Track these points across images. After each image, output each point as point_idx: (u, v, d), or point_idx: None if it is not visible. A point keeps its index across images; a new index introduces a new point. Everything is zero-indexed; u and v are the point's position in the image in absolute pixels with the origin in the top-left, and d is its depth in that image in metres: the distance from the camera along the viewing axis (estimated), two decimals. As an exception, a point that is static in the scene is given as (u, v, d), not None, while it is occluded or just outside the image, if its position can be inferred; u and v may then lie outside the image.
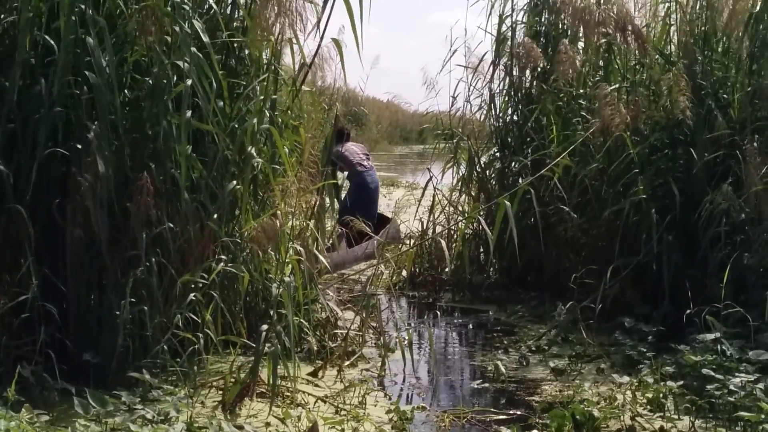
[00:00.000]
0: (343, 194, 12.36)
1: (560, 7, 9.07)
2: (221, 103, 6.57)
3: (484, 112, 10.47)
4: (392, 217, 12.52)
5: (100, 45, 5.89)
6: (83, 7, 5.91)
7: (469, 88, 10.57)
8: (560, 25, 9.75)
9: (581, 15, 8.73)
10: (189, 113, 6.18)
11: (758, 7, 8.12)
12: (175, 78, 6.23)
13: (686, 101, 7.83)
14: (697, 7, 8.68)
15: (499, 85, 10.29)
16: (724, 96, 8.40)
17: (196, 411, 5.58)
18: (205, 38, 6.33)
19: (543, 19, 10.07)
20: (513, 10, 10.17)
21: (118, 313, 5.84)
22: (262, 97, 6.89)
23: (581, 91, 9.35)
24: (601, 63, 9.43)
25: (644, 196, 8.01)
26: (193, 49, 6.18)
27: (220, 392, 5.91)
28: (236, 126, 6.72)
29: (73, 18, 5.87)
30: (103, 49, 5.90)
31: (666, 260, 7.85)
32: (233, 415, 5.64)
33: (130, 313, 5.89)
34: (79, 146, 5.88)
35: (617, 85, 8.61)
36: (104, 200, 5.80)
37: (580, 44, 9.53)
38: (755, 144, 7.65)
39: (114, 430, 5.11)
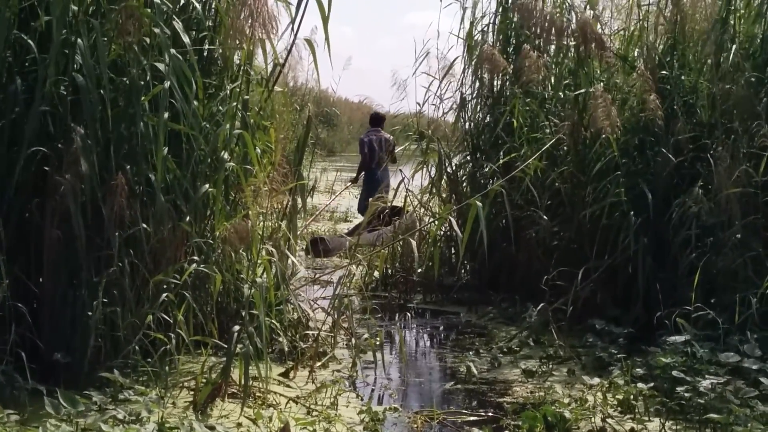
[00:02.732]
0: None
1: (525, 15, 9.12)
2: (195, 103, 6.53)
3: (455, 114, 10.49)
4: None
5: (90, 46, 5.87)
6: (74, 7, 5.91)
7: (439, 91, 10.59)
8: (527, 31, 9.74)
9: (544, 22, 8.82)
10: (166, 115, 6.15)
11: (722, 13, 8.18)
12: (149, 78, 6.20)
13: (655, 101, 7.89)
14: (666, 12, 8.75)
15: (470, 88, 10.33)
16: (690, 101, 8.45)
17: (168, 411, 5.56)
18: (186, 39, 6.31)
19: (512, 24, 10.09)
20: (483, 15, 10.27)
21: (90, 313, 5.81)
22: (235, 103, 6.87)
23: (559, 93, 9.40)
24: (570, 66, 9.49)
25: (624, 199, 8.04)
26: (173, 50, 6.16)
27: (192, 393, 5.90)
28: (208, 127, 6.70)
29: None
30: (92, 50, 5.88)
31: (641, 262, 7.88)
32: (205, 416, 5.63)
33: (102, 313, 5.86)
34: (60, 146, 5.86)
35: (584, 90, 8.66)
36: (87, 201, 5.80)
37: (552, 47, 9.57)
38: (725, 147, 7.69)
39: (85, 430, 5.07)
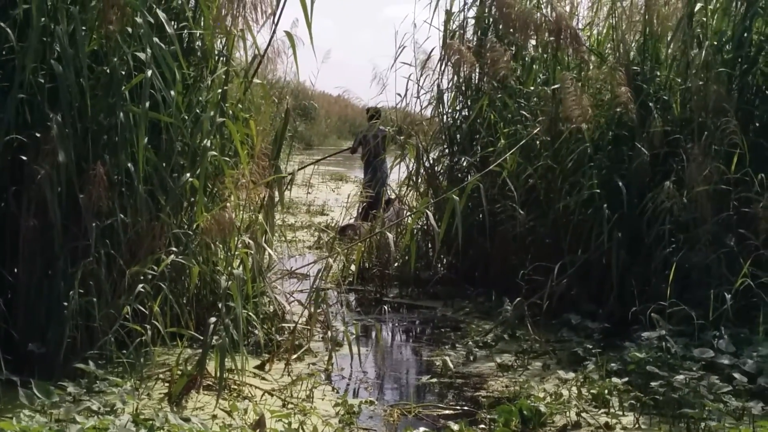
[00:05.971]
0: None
1: (501, 8, 9.11)
2: (172, 93, 6.50)
3: (434, 107, 10.49)
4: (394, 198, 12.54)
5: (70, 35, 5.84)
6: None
7: (417, 85, 10.56)
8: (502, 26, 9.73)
9: (519, 18, 8.82)
10: (147, 104, 6.12)
11: (686, 10, 8.20)
12: (126, 68, 6.17)
13: (627, 93, 7.92)
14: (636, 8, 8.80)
15: (448, 82, 10.33)
16: (664, 97, 8.48)
17: (143, 403, 5.55)
18: (170, 29, 6.28)
19: (489, 18, 10.10)
20: (462, 9, 10.26)
21: (65, 303, 5.78)
22: (219, 91, 6.85)
23: (532, 88, 9.42)
24: (547, 61, 9.52)
25: (598, 191, 8.07)
26: (155, 39, 6.13)
27: (167, 384, 5.88)
28: (186, 117, 6.66)
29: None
30: (71, 38, 5.85)
31: (615, 257, 7.91)
32: (180, 408, 5.62)
33: (78, 303, 5.84)
34: (38, 134, 5.81)
35: (558, 85, 8.68)
36: (63, 190, 5.76)
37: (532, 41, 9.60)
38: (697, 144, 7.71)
39: (59, 422, 5.04)
